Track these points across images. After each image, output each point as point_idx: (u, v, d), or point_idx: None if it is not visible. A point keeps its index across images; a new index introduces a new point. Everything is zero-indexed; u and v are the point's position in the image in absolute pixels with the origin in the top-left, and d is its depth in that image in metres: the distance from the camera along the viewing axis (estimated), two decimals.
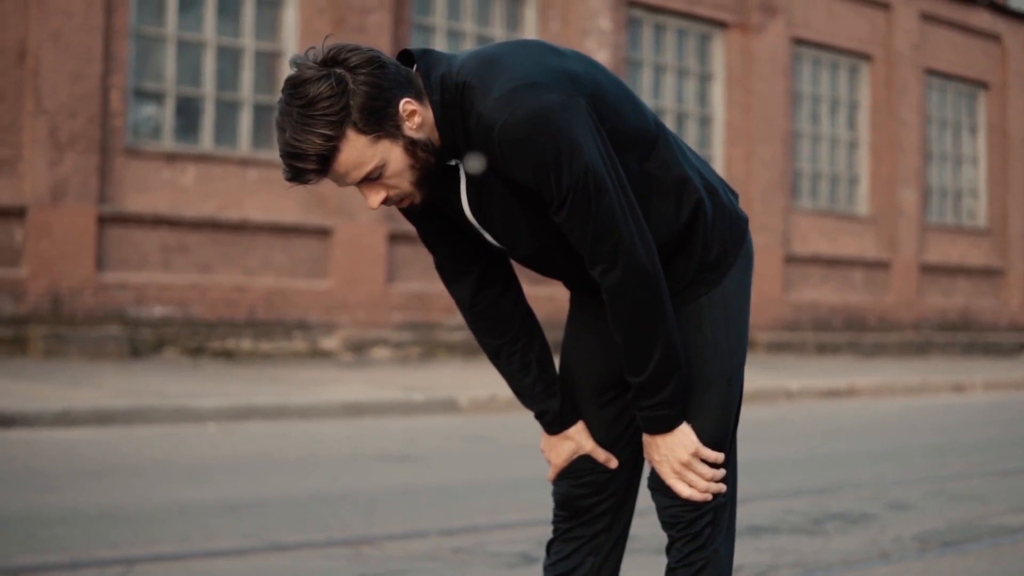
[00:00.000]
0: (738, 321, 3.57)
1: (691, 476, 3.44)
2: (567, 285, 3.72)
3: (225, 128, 18.49)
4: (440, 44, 20.59)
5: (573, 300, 3.82)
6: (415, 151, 3.20)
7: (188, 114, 18.25)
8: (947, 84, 29.62)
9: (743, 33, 24.63)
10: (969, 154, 30.32)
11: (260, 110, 18.73)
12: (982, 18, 30.01)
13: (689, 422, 3.44)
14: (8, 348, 16.19)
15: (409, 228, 19.01)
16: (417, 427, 12.20)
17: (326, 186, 18.64)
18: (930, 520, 7.75)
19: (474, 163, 3.27)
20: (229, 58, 18.61)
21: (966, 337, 28.85)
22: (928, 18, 28.61)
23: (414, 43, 20.23)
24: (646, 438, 3.47)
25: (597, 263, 3.27)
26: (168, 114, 18.01)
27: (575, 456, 3.71)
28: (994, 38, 30.41)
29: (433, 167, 3.26)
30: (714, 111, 24.54)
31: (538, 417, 3.75)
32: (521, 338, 3.71)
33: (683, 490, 3.44)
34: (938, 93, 29.44)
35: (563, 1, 21.71)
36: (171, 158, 17.73)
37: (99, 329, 16.78)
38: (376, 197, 3.23)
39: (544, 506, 7.77)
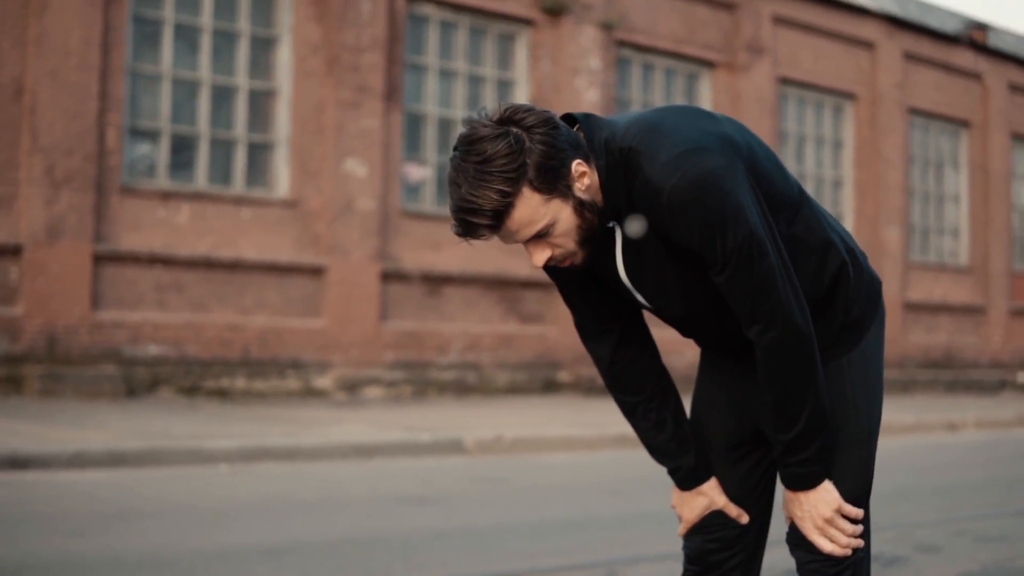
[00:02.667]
0: (875, 382, 3.64)
1: (833, 532, 3.49)
2: (703, 344, 3.77)
3: (219, 167, 18.47)
4: (432, 83, 20.63)
5: (704, 358, 3.87)
6: (583, 212, 3.26)
7: (183, 152, 18.22)
8: (930, 123, 29.79)
9: (730, 72, 24.74)
10: (951, 192, 30.47)
11: (254, 149, 18.72)
12: (964, 57, 30.20)
13: (831, 479, 3.49)
14: (3, 387, 16.10)
15: (401, 267, 19.05)
16: (427, 468, 12.17)
17: (319, 223, 18.68)
18: (963, 563, 7.74)
19: (635, 226, 3.33)
20: (223, 97, 18.59)
21: (949, 375, 28.93)
22: (911, 58, 28.79)
23: (407, 82, 20.26)
24: (788, 494, 3.52)
25: (755, 323, 3.33)
26: (163, 152, 17.98)
27: (708, 511, 3.74)
28: (976, 77, 30.61)
29: (597, 229, 3.31)
30: None
31: (672, 473, 3.78)
32: (657, 396, 3.75)
33: (825, 545, 3.48)
34: (921, 132, 29.60)
35: (554, 40, 21.76)
36: (166, 196, 17.69)
37: (94, 368, 16.70)
38: (541, 255, 3.28)
39: (578, 550, 7.79)
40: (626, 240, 3.40)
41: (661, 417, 3.74)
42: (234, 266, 18.09)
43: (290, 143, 18.84)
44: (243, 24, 18.73)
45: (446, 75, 20.97)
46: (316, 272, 18.85)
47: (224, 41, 18.66)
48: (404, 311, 19.71)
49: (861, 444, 3.57)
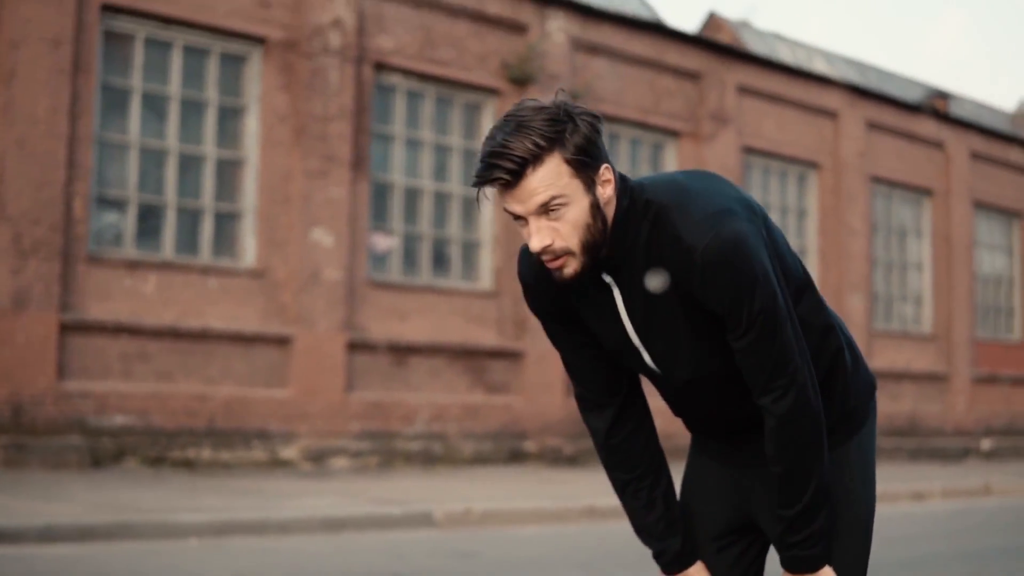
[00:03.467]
0: (871, 474, 3.70)
1: None
2: (696, 422, 3.79)
3: (186, 236, 18.44)
4: (399, 153, 20.67)
5: (696, 442, 3.90)
6: (595, 216, 3.30)
7: (150, 221, 18.18)
8: (893, 191, 29.98)
9: (695, 142, 24.87)
10: (914, 260, 30.65)
11: (221, 218, 18.70)
12: (926, 126, 30.45)
13: (830, 565, 3.53)
14: None
15: (368, 337, 19.02)
16: (398, 542, 12.09)
17: (285, 293, 18.64)
18: None
19: (656, 281, 3.37)
20: (191, 165, 18.58)
21: (913, 442, 29.00)
22: (874, 126, 29.01)
23: (374, 151, 20.30)
24: None
25: (770, 392, 3.37)
26: (130, 221, 17.94)
27: None
28: (937, 146, 30.85)
29: (600, 247, 3.34)
30: None
31: (657, 556, 3.79)
32: (649, 475, 3.76)
33: None
34: (884, 200, 29.78)
35: None
36: (133, 266, 17.63)
37: (60, 439, 16.59)
38: (541, 238, 3.29)
39: None
40: (628, 297, 3.45)
41: (652, 497, 3.75)
42: (200, 336, 18.03)
43: (257, 212, 18.83)
44: (211, 93, 18.74)
45: (413, 144, 21.02)
46: (282, 342, 18.80)
47: (192, 110, 18.67)
48: (370, 381, 19.67)
49: (858, 532, 3.61)
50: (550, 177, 3.23)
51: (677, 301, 3.38)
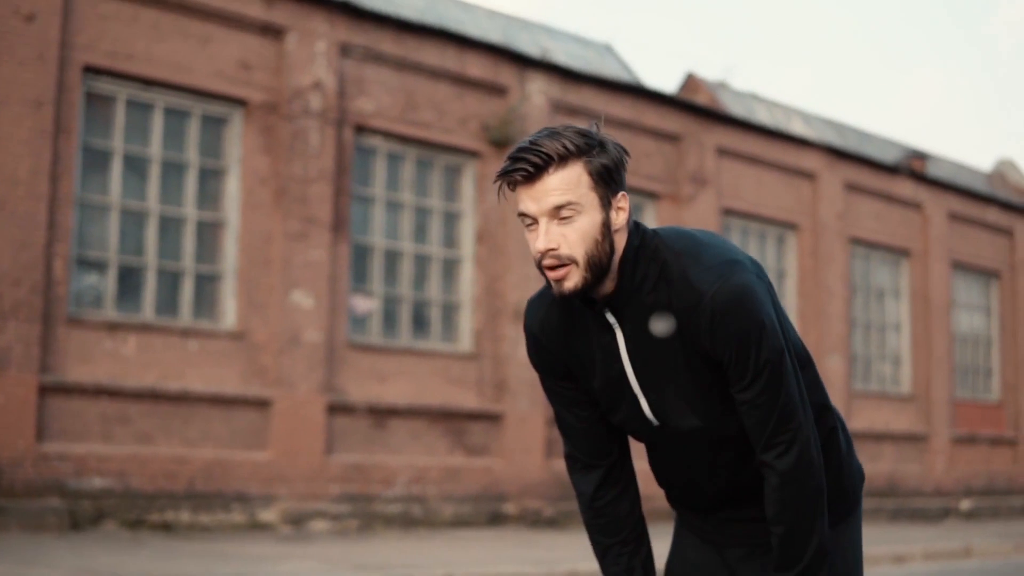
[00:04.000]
0: (860, 557, 3.74)
1: None
2: (680, 493, 3.82)
3: (166, 298, 18.41)
4: (379, 215, 20.69)
5: (680, 520, 3.93)
6: (605, 234, 3.38)
7: (130, 283, 18.15)
8: (871, 252, 30.09)
9: (675, 203, 24.94)
10: (893, 321, 30.72)
11: (201, 280, 18.69)
12: (904, 187, 30.59)
13: None
14: None
15: (347, 399, 18.99)
16: None
17: (265, 355, 18.59)
18: None
19: (660, 325, 3.41)
20: (171, 227, 18.57)
21: (892, 503, 28.99)
22: (852, 188, 29.14)
23: (355, 213, 20.32)
24: None
25: (773, 446, 3.39)
26: (110, 283, 17.91)
27: None
28: (915, 206, 30.99)
29: (604, 269, 3.40)
30: None
31: None
32: (632, 541, 3.80)
33: None
34: (862, 261, 29.88)
35: None
36: (113, 327, 17.60)
37: (39, 501, 16.50)
38: (549, 239, 3.36)
39: None
40: (631, 340, 3.48)
41: (631, 564, 3.78)
42: (180, 398, 17.98)
43: (237, 274, 18.82)
44: (192, 155, 18.76)
45: (393, 207, 21.04)
46: (262, 404, 18.75)
47: (173, 171, 18.68)
48: (350, 444, 19.62)
49: None
50: (570, 181, 3.33)
51: (680, 348, 3.42)
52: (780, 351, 3.36)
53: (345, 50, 20.13)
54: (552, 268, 3.38)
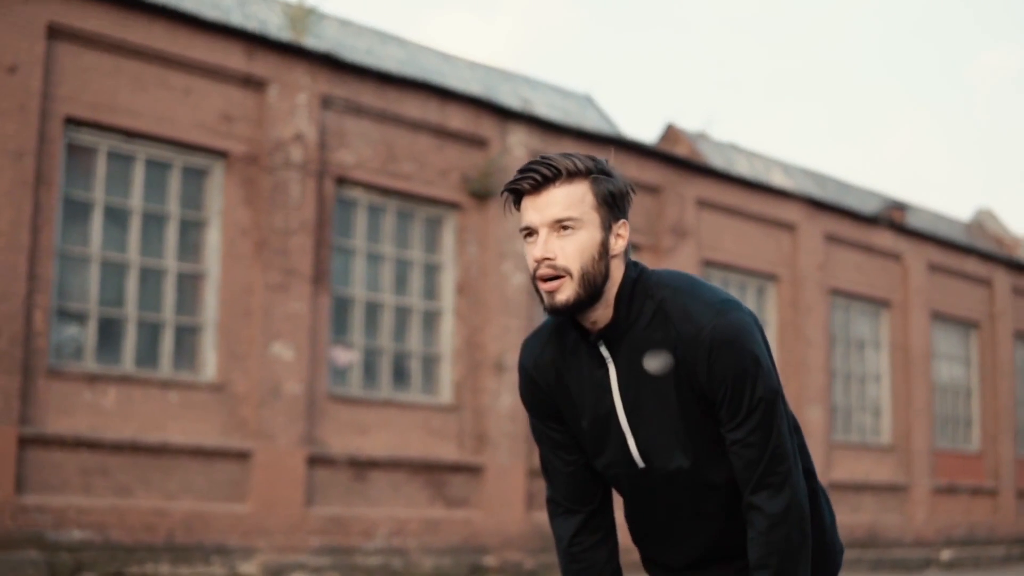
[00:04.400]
0: None
1: None
2: (654, 552, 3.82)
3: (147, 349, 18.38)
4: (360, 266, 20.71)
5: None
6: (602, 254, 3.46)
7: (110, 334, 18.13)
8: (851, 303, 30.15)
9: (655, 255, 24.98)
10: (873, 371, 30.76)
11: (182, 331, 18.68)
12: (884, 238, 30.69)
13: None
14: None
15: (328, 451, 18.98)
16: None
17: (245, 407, 18.56)
18: None
19: (655, 362, 3.45)
20: (152, 279, 18.57)
21: (873, 554, 28.96)
22: (832, 239, 29.23)
23: (335, 265, 20.33)
24: None
25: (763, 488, 3.40)
26: (91, 335, 17.88)
27: None
28: (895, 257, 31.08)
29: (597, 289, 3.46)
30: None
31: None
32: None
33: None
34: (842, 312, 29.94)
35: (480, 225, 21.93)
36: (93, 379, 17.56)
37: (17, 553, 16.43)
38: (545, 248, 3.45)
39: None
40: (623, 376, 3.51)
41: None
42: (160, 450, 17.94)
43: (218, 326, 18.81)
44: (173, 206, 18.77)
45: (373, 258, 21.06)
46: (242, 456, 18.71)
47: (154, 223, 18.68)
48: (330, 496, 19.57)
49: None
50: (574, 197, 3.44)
51: (673, 385, 3.45)
52: (775, 392, 3.40)
53: (326, 102, 20.18)
54: (546, 280, 3.44)
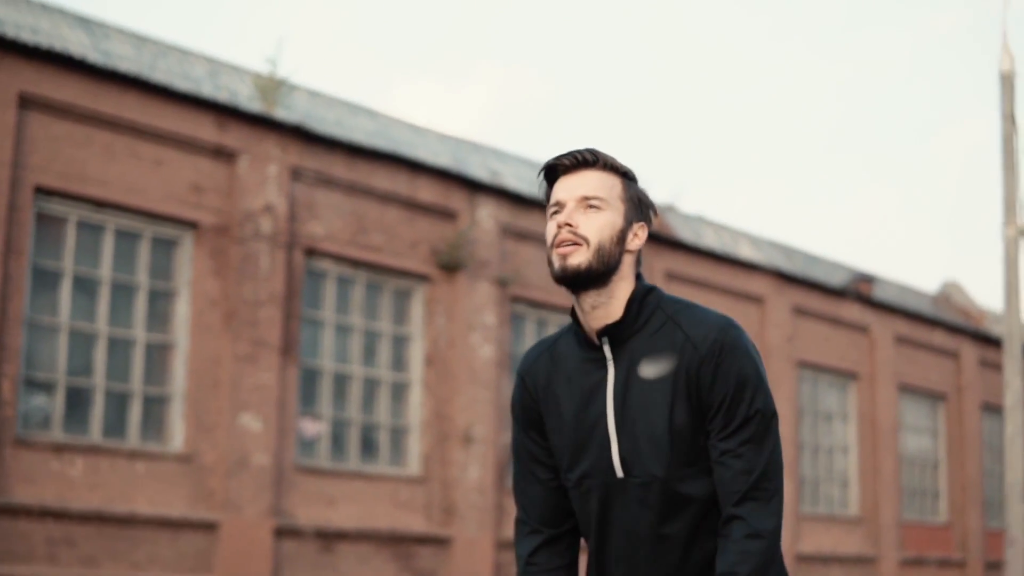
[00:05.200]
0: None
1: None
2: (616, 562, 3.77)
3: (114, 419, 18.34)
4: (328, 338, 20.73)
5: None
6: (619, 241, 3.64)
7: (78, 404, 18.08)
8: (819, 375, 30.25)
9: None
10: (840, 443, 30.84)
11: (150, 402, 18.64)
12: (851, 311, 30.85)
13: None
14: None
15: (295, 523, 18.94)
16: None
17: (213, 478, 18.51)
18: None
19: (654, 367, 3.55)
20: (120, 349, 18.54)
21: None
22: (800, 311, 29.36)
23: (304, 336, 20.34)
24: None
25: (750, 500, 3.45)
26: (58, 404, 17.83)
27: None
28: (862, 330, 31.23)
29: (609, 268, 3.61)
30: None
31: None
32: None
33: None
34: (810, 384, 30.03)
35: (449, 297, 21.98)
36: (60, 449, 17.51)
37: None
38: (569, 216, 3.62)
39: None
40: (619, 380, 3.59)
41: None
42: (127, 521, 17.86)
43: (185, 396, 18.78)
44: (142, 276, 18.77)
45: (342, 330, 21.08)
46: (209, 527, 18.64)
47: (122, 293, 18.67)
48: (297, 568, 19.50)
49: None
50: (606, 183, 3.68)
51: (668, 393, 3.53)
52: (772, 411, 3.51)
53: (296, 174, 20.25)
54: (562, 245, 3.60)
